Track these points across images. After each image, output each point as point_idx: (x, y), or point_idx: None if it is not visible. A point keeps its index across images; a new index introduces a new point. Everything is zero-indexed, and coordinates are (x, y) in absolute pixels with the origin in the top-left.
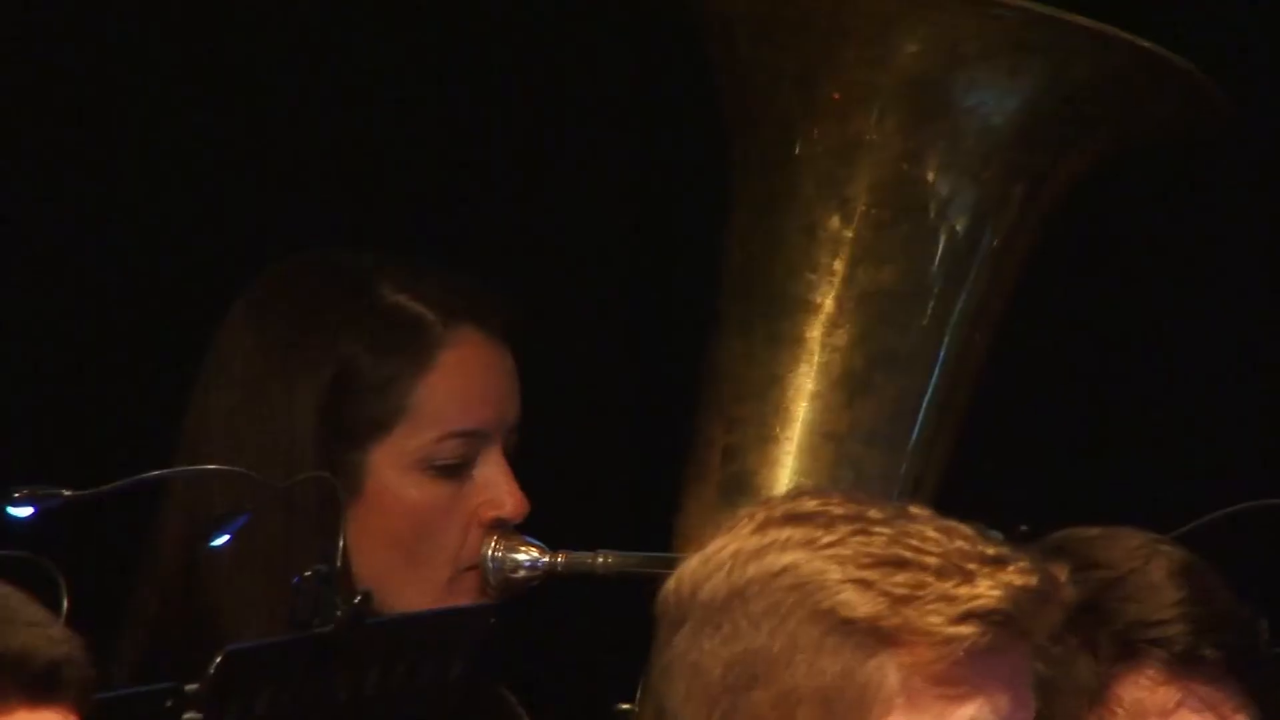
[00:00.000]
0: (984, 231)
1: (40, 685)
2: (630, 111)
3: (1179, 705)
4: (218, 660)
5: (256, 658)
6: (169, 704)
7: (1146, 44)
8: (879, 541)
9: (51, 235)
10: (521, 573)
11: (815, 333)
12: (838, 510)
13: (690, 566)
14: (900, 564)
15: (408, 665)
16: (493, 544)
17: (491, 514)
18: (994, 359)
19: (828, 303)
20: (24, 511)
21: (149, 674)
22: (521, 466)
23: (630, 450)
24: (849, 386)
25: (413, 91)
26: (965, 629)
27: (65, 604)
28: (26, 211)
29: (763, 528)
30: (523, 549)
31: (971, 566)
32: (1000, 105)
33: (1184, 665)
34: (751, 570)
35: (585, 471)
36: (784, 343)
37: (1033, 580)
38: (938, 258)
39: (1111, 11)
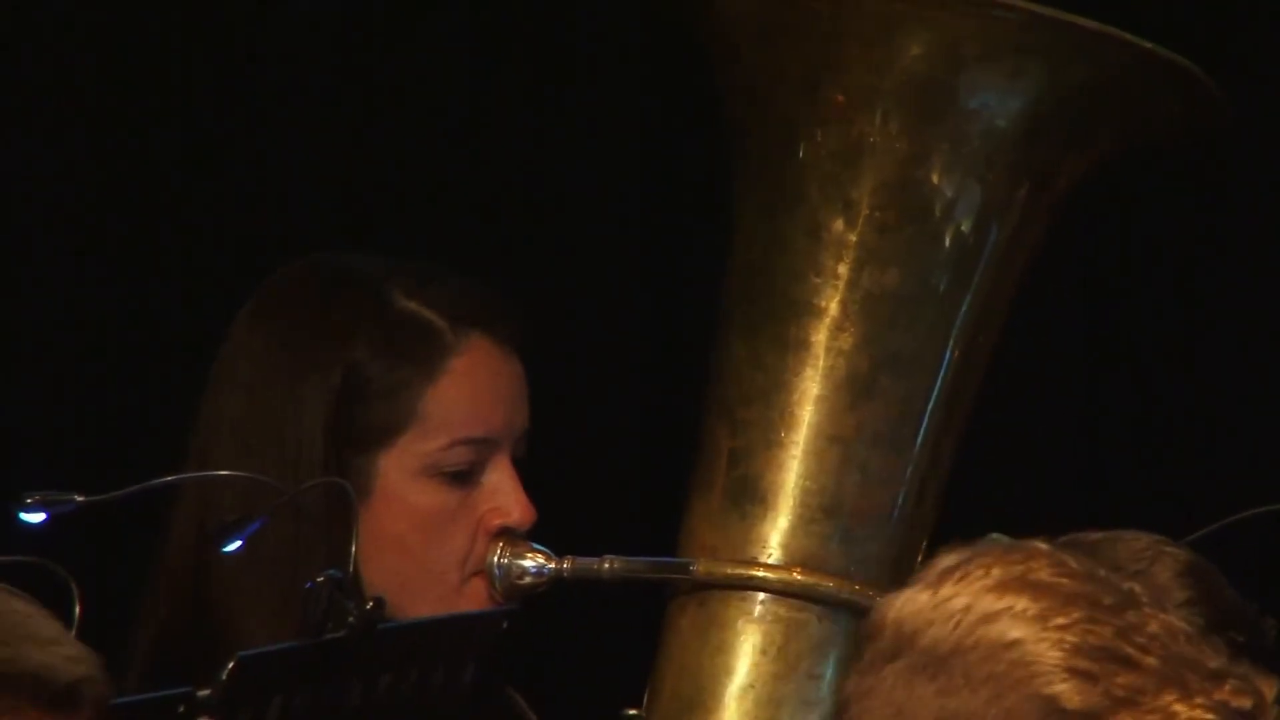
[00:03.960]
0: (989, 233)
1: (58, 704)
2: (633, 115)
3: None
4: (230, 666)
5: (269, 663)
6: (181, 709)
7: (1148, 45)
8: (1106, 632)
9: (59, 239)
10: (527, 579)
11: (820, 336)
12: (1069, 586)
13: (916, 604)
14: (1125, 662)
15: (421, 671)
16: (499, 550)
17: (498, 521)
18: (1000, 361)
19: (832, 306)
20: (36, 517)
21: (159, 679)
22: (528, 472)
23: (636, 455)
24: (854, 389)
25: (420, 95)
26: None
27: (77, 610)
28: (34, 215)
29: (1000, 590)
30: (529, 555)
31: (1191, 679)
32: (1003, 107)
33: None
34: (980, 633)
35: (591, 477)
36: (788, 346)
37: (1246, 704)
38: (942, 260)
39: (1113, 13)
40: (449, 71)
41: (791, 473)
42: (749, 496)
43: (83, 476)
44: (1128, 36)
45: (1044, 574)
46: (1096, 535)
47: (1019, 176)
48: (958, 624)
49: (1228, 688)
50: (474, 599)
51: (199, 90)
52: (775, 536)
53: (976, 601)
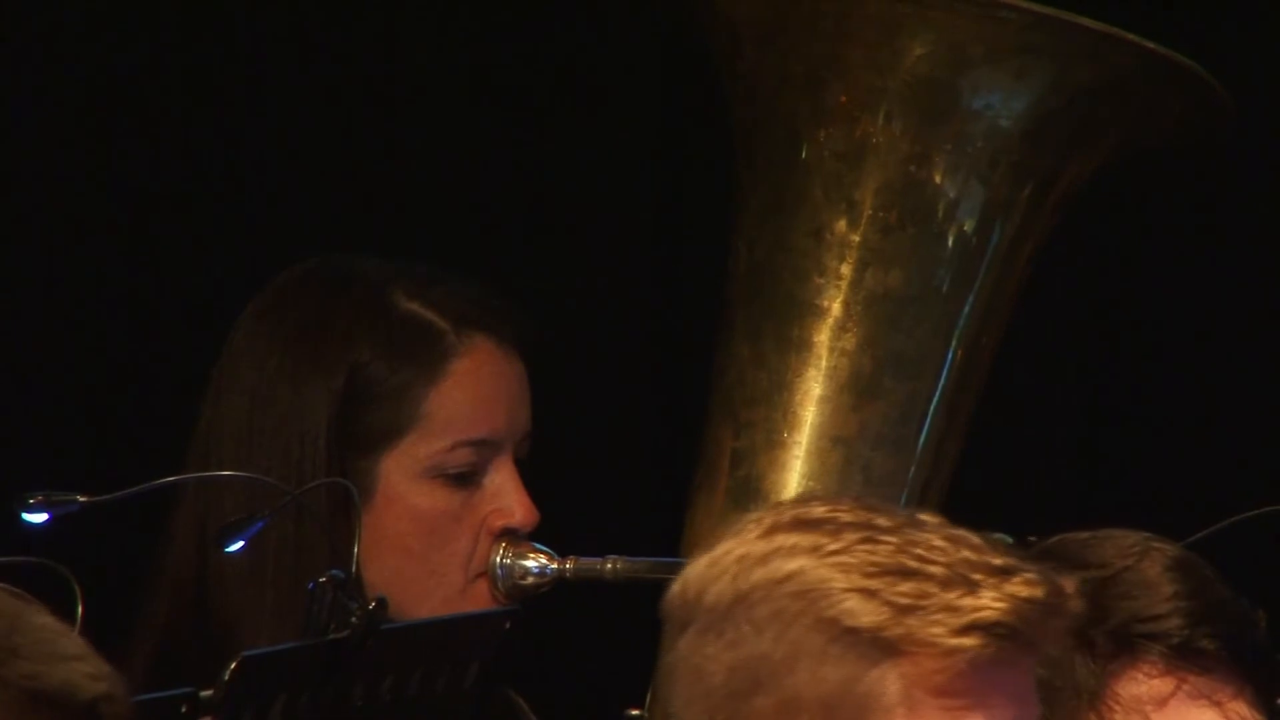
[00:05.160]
0: (991, 234)
1: None
2: (637, 117)
3: (1174, 695)
4: (233, 666)
5: (272, 663)
6: (184, 709)
7: (1152, 45)
8: (885, 550)
9: (63, 241)
10: (530, 579)
11: (823, 337)
12: (845, 517)
13: (696, 569)
14: (905, 573)
15: (424, 671)
16: (502, 551)
17: (501, 522)
18: (1002, 362)
19: (835, 306)
20: (39, 517)
21: (162, 679)
22: (531, 472)
23: (639, 456)
24: (857, 390)
25: (424, 98)
26: (968, 640)
27: (80, 610)
28: (38, 218)
29: (770, 533)
30: (532, 556)
31: (977, 577)
32: (1007, 107)
33: (1180, 657)
34: (757, 576)
35: (594, 477)
36: (792, 347)
37: (1039, 592)
38: (945, 261)
39: (1117, 13)
40: (452, 73)
41: (794, 473)
42: (752, 497)
43: (85, 477)
44: (1133, 37)
45: (817, 512)
46: (1085, 534)
47: (1023, 177)
48: (735, 575)
49: (1018, 580)
50: (477, 600)
51: (202, 93)
52: None
53: (750, 549)
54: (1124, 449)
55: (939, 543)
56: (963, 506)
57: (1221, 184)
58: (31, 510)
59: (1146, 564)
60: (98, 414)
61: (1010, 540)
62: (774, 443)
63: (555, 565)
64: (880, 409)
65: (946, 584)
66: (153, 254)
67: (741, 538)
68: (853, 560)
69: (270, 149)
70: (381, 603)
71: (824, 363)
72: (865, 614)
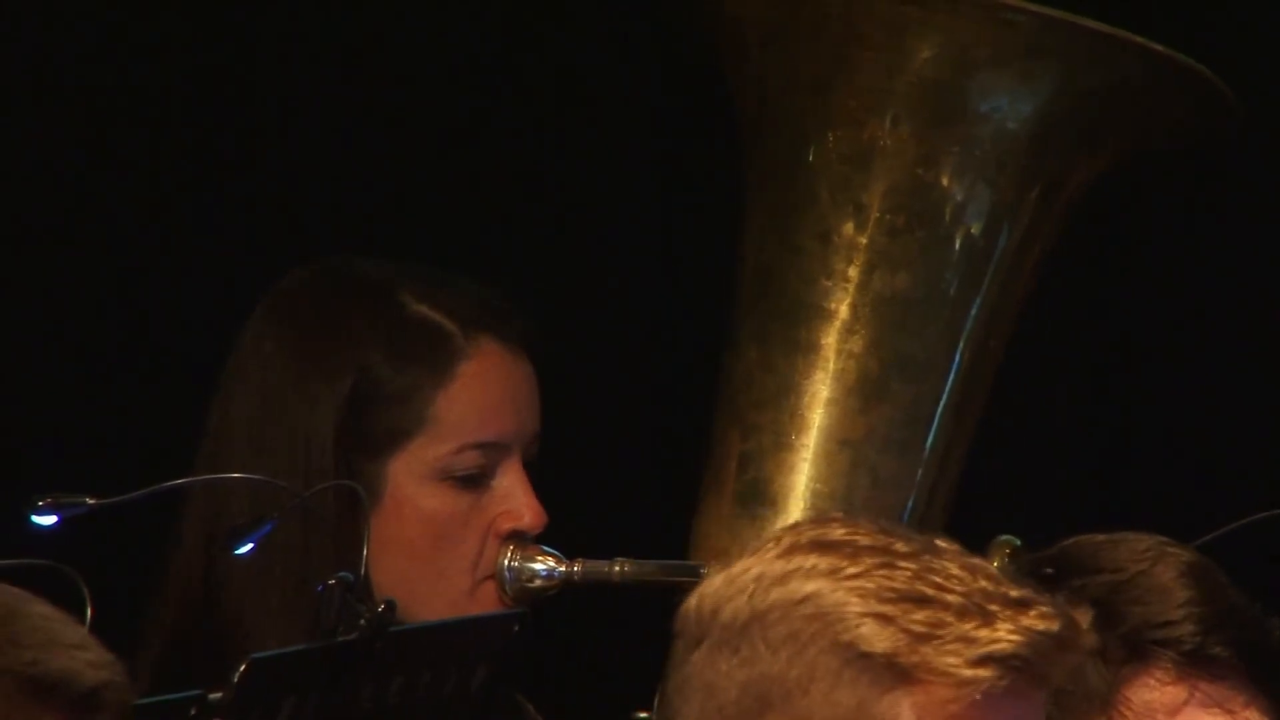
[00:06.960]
0: (999, 236)
1: (79, 709)
2: (644, 118)
3: (1186, 702)
4: (242, 668)
5: (280, 665)
6: (193, 712)
7: (1159, 48)
8: (902, 576)
9: (71, 242)
10: (538, 582)
11: (830, 339)
12: (864, 541)
13: (713, 585)
14: (922, 601)
15: (432, 674)
16: (509, 553)
17: (509, 525)
18: (1009, 364)
19: (843, 309)
20: (48, 519)
21: (171, 681)
22: (539, 474)
23: (647, 458)
24: (864, 393)
25: (430, 101)
26: (982, 672)
27: (89, 612)
28: (45, 218)
29: (789, 553)
30: (539, 558)
31: (993, 608)
32: (1014, 110)
33: (1193, 664)
34: (774, 595)
35: (602, 480)
36: (799, 349)
37: (1054, 626)
38: (953, 263)
39: (1124, 16)
40: (459, 74)
41: (802, 475)
42: (760, 500)
43: (94, 479)
44: (1140, 40)
45: (836, 534)
46: (1099, 538)
47: (1030, 180)
48: (752, 594)
49: (1033, 613)
50: (485, 603)
51: (207, 94)
52: None
53: (768, 569)
54: (1131, 451)
55: (956, 571)
56: (969, 510)
57: (1228, 186)
58: (41, 512)
59: (1160, 569)
60: (106, 416)
61: (1018, 543)
62: (781, 445)
63: (563, 568)
64: (887, 412)
65: (962, 614)
66: (160, 256)
67: (760, 556)
68: (870, 585)
69: (276, 151)
70: (390, 605)
71: (831, 365)
72: (880, 640)
